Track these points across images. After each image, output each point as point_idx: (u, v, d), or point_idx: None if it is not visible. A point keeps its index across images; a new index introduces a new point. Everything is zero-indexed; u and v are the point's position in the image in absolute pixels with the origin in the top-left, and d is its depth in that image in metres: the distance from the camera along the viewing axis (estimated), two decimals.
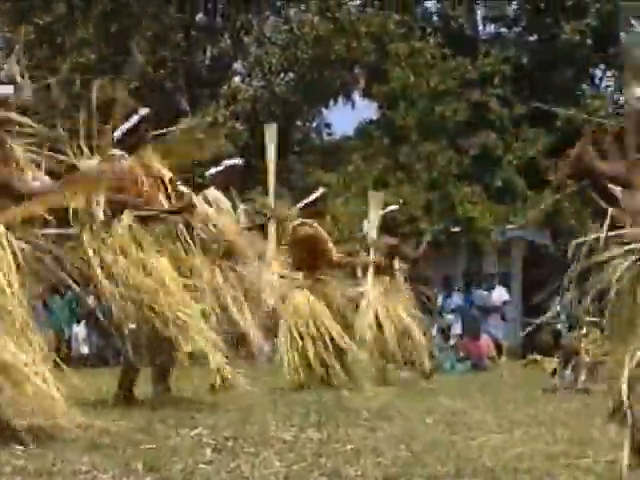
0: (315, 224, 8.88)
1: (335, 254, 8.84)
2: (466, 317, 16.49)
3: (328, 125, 20.96)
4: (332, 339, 8.45)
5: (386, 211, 10.38)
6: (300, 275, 8.72)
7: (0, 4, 16.00)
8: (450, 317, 16.39)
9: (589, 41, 21.30)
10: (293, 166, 20.10)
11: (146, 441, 4.81)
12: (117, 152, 6.36)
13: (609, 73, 23.22)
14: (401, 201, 17.56)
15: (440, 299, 16.45)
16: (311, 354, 8.38)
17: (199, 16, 19.97)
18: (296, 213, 8.99)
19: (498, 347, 16.23)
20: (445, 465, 4.36)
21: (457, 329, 16.33)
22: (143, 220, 6.34)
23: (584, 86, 22.51)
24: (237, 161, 8.56)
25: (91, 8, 17.44)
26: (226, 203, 8.19)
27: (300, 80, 19.12)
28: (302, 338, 8.43)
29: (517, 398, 8.60)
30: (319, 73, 18.84)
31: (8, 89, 5.22)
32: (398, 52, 19.13)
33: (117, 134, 6.39)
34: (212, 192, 8.19)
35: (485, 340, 15.95)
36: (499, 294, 17.04)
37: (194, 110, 18.27)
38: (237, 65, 20.07)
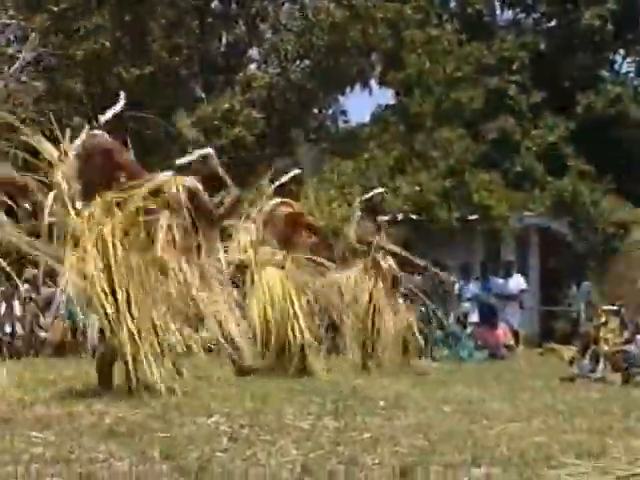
0: (293, 202, 8.87)
1: (309, 234, 8.83)
2: (483, 305, 16.46)
3: (344, 112, 20.92)
4: (297, 321, 8.42)
5: (371, 195, 10.33)
6: (279, 254, 8.72)
7: None
8: (467, 305, 16.35)
9: (609, 26, 21.15)
10: (308, 154, 20.08)
11: (162, 429, 4.82)
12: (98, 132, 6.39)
13: (629, 59, 23.07)
14: (417, 188, 17.62)
15: (457, 287, 16.41)
16: (275, 335, 8.37)
17: (214, 3, 19.98)
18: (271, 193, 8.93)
19: (515, 335, 16.20)
20: (462, 453, 4.36)
21: (474, 317, 16.29)
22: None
23: (604, 72, 22.38)
24: (209, 150, 8.44)
25: None
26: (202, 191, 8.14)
27: (316, 67, 19.09)
28: (268, 319, 8.40)
29: (535, 387, 8.58)
30: (335, 60, 18.79)
31: None
32: (414, 39, 19.08)
33: (102, 120, 6.38)
34: (190, 180, 8.13)
35: (502, 328, 15.93)
36: (517, 282, 16.98)
37: (209, 97, 18.27)
38: (252, 52, 20.06)
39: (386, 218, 10.15)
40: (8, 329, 11.90)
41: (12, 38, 15.55)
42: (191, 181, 7.36)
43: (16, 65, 15.38)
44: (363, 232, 9.76)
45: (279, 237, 8.79)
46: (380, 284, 9.59)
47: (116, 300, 5.98)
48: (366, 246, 9.69)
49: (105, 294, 5.94)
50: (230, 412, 5.51)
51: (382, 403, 6.25)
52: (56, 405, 5.61)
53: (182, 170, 8.22)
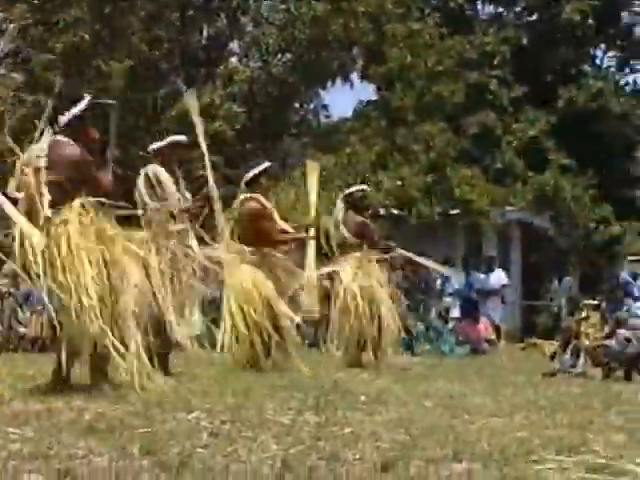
0: (261, 198, 8.82)
1: (277, 231, 8.74)
2: (465, 300, 16.52)
3: (325, 107, 20.95)
4: (273, 317, 8.39)
5: (352, 190, 10.33)
6: (247, 250, 8.67)
7: None
8: (449, 300, 16.40)
9: (590, 21, 21.25)
10: (289, 148, 20.07)
11: (142, 425, 4.81)
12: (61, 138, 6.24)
13: (610, 53, 23.18)
14: (399, 183, 17.64)
15: (439, 282, 16.46)
16: (249, 331, 8.31)
17: None
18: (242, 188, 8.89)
19: (497, 330, 16.26)
20: (443, 448, 4.38)
21: (456, 312, 16.35)
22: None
23: (585, 66, 22.48)
24: (182, 138, 8.21)
25: None
26: (167, 178, 8.07)
27: (297, 61, 19.09)
28: (244, 315, 8.33)
29: (516, 382, 8.61)
30: (316, 54, 18.79)
31: None
32: (396, 32, 19.09)
33: (63, 120, 6.22)
34: (153, 167, 8.07)
35: (484, 323, 15.98)
36: (498, 277, 17.05)
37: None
38: (234, 45, 20.03)
39: (360, 218, 10.01)
40: None
41: None
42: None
43: None
44: (349, 228, 9.75)
45: (245, 233, 8.74)
46: (369, 279, 9.56)
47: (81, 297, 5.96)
48: (355, 241, 9.67)
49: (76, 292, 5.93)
50: (211, 408, 5.51)
51: (363, 398, 6.26)
52: (35, 401, 5.59)
53: (156, 156, 8.21)
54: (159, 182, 7.97)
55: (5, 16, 15.51)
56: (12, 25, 15.43)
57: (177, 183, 8.11)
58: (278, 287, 8.78)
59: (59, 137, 6.25)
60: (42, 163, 6.01)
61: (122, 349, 5.99)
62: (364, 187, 10.82)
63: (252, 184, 8.81)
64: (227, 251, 8.68)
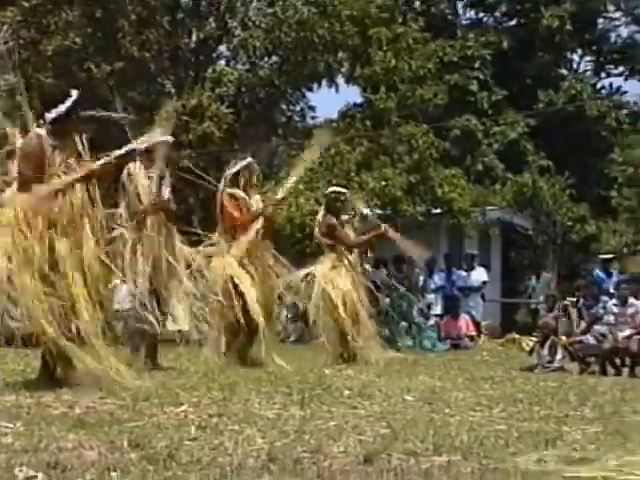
0: (235, 193, 8.82)
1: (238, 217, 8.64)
2: (446, 297, 16.55)
3: (312, 108, 20.88)
4: (246, 310, 8.41)
5: (329, 191, 10.33)
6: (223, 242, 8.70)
7: None
8: (431, 297, 16.42)
9: (568, 26, 21.34)
10: (276, 149, 20.04)
11: (131, 419, 4.81)
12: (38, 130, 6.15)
13: (587, 58, 23.28)
14: (383, 183, 17.64)
15: (421, 279, 16.47)
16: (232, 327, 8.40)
17: None
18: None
19: (477, 326, 16.29)
20: (424, 441, 4.39)
21: (437, 309, 16.38)
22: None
23: (563, 70, 22.55)
24: (168, 138, 8.10)
25: None
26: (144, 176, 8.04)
27: (284, 63, 19.04)
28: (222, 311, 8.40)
29: (495, 376, 8.62)
30: (303, 56, 18.75)
31: None
32: (380, 36, 19.08)
33: (49, 116, 6.12)
34: (134, 164, 8.04)
35: (464, 320, 16.02)
36: (479, 275, 17.09)
37: (179, 93, 18.19)
38: (222, 48, 19.94)
39: (346, 217, 10.00)
40: None
41: None
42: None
43: None
44: (327, 228, 9.70)
45: (224, 228, 8.79)
46: (349, 278, 9.55)
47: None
48: (331, 241, 9.66)
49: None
50: (199, 402, 5.52)
51: (347, 392, 6.27)
52: (26, 395, 5.58)
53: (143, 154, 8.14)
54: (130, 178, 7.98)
55: None
56: (4, 27, 15.41)
57: (161, 180, 8.10)
58: (266, 285, 8.79)
59: (37, 130, 6.24)
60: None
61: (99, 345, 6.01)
62: (341, 190, 10.67)
63: (233, 181, 8.77)
64: (217, 247, 8.70)
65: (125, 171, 7.96)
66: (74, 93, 6.51)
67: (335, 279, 9.41)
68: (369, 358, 9.33)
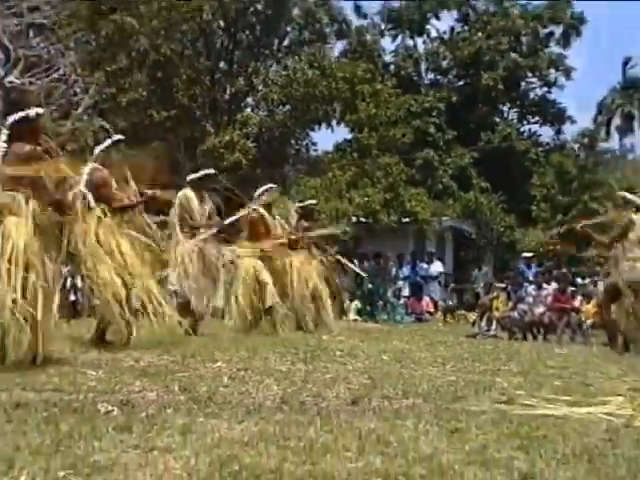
0: (260, 210, 8.56)
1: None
2: (412, 283, 16.54)
3: (314, 143, 20.90)
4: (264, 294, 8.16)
5: (305, 204, 9.95)
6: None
7: (82, 56, 15.82)
8: (401, 283, 16.42)
9: (500, 86, 21.40)
10: (288, 174, 20.04)
11: (180, 370, 4.81)
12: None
13: (514, 109, 23.34)
14: (366, 199, 17.62)
15: (394, 270, 16.46)
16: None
17: (221, 63, 19.84)
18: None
19: (435, 305, 16.29)
20: (395, 389, 4.39)
21: (406, 292, 16.37)
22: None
23: (497, 118, 22.56)
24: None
25: (144, 59, 17.35)
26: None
27: (294, 111, 19.04)
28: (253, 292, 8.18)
29: (448, 341, 8.62)
30: (307, 106, 18.76)
31: None
32: (364, 91, 19.09)
33: (9, 120, 5.13)
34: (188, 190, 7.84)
35: (426, 300, 16.02)
36: (437, 267, 17.08)
37: (217, 132, 18.19)
38: (248, 99, 19.96)
39: (306, 224, 9.49)
40: (72, 297, 11.58)
41: (77, 90, 15.40)
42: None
43: (80, 109, 15.30)
44: (302, 230, 9.36)
45: (249, 235, 8.54)
46: (317, 267, 9.15)
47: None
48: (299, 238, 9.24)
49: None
50: (230, 359, 5.51)
51: (339, 353, 6.26)
52: (105, 352, 5.59)
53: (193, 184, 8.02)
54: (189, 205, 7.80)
55: (88, 80, 15.44)
56: (93, 86, 15.44)
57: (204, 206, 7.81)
58: (279, 276, 8.59)
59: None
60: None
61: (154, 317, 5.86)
62: (314, 202, 10.44)
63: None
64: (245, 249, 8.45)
65: (181, 194, 7.88)
66: (116, 137, 6.33)
67: (305, 268, 9.03)
68: (329, 325, 8.99)
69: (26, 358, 4.67)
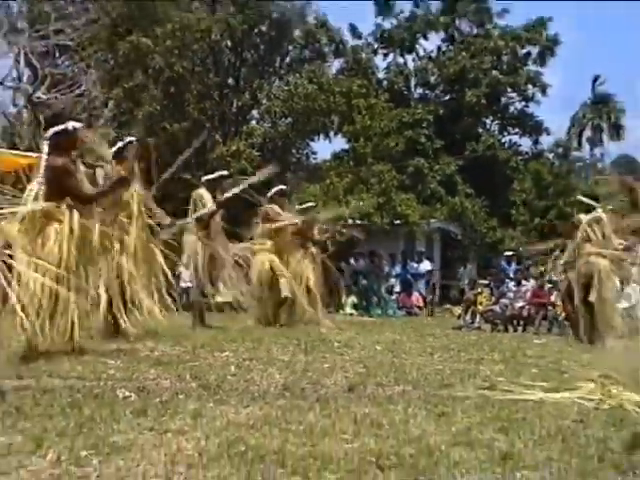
0: (274, 208, 8.47)
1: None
2: (403, 280, 16.54)
3: (314, 152, 20.90)
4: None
5: (305, 206, 9.66)
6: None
7: (102, 74, 15.82)
8: (393, 280, 16.42)
9: (483, 101, 21.47)
10: (290, 180, 20.06)
11: (192, 360, 4.83)
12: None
13: (495, 122, 23.42)
14: (361, 203, 17.62)
15: (387, 268, 16.46)
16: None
17: (229, 80, 19.85)
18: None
19: (424, 300, 16.30)
20: (388, 377, 4.40)
21: (397, 288, 16.38)
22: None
23: (480, 129, 22.59)
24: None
25: (158, 76, 17.39)
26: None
27: (295, 123, 19.05)
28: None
29: (435, 333, 8.64)
30: (307, 118, 18.77)
31: None
32: (359, 105, 19.10)
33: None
34: (203, 190, 7.77)
35: (416, 296, 16.02)
36: (425, 265, 17.08)
37: (225, 142, 18.21)
38: (254, 112, 19.98)
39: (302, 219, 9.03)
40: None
41: (98, 104, 15.42)
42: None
43: (100, 122, 15.32)
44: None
45: (263, 232, 8.43)
46: (309, 265, 8.81)
47: None
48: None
49: None
50: (237, 349, 5.52)
51: (336, 344, 6.26)
52: (123, 342, 5.59)
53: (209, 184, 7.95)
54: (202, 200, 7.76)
55: (107, 95, 15.45)
56: (111, 101, 15.45)
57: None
58: (292, 270, 8.45)
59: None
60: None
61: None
62: (313, 204, 10.16)
63: (210, 184, 7.95)
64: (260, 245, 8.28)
65: (195, 195, 7.87)
66: (129, 139, 6.16)
67: (299, 266, 8.78)
68: (318, 321, 8.68)
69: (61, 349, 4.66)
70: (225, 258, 7.72)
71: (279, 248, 8.46)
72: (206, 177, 8.07)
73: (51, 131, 4.99)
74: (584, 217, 7.83)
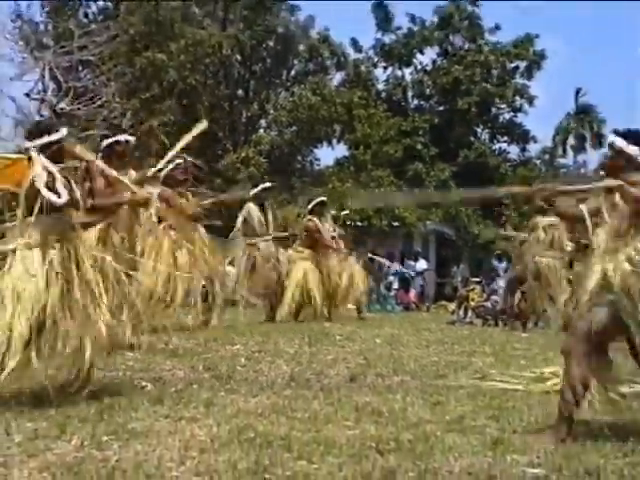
0: (314, 220, 8.28)
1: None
2: (401, 278, 16.52)
3: (317, 159, 20.93)
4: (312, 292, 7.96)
5: (317, 200, 8.92)
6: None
7: (120, 87, 15.85)
8: (391, 278, 16.40)
9: (474, 110, 21.47)
10: (295, 185, 20.07)
11: (205, 352, 4.84)
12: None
13: (486, 130, 23.44)
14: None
15: (386, 267, 16.42)
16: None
17: (239, 92, 19.89)
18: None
19: (421, 297, 16.27)
20: (387, 368, 4.42)
21: (396, 285, 16.35)
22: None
23: (472, 137, 22.58)
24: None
25: (172, 88, 17.43)
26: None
27: (300, 131, 19.08)
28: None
29: (431, 327, 8.62)
30: (311, 127, 18.81)
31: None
32: (360, 115, 19.11)
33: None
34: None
35: (413, 292, 16.00)
36: (422, 264, 17.05)
37: (235, 149, 18.25)
38: (262, 122, 20.03)
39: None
40: None
41: (116, 114, 15.46)
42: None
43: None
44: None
45: (304, 243, 8.22)
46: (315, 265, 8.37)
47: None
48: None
49: None
50: (246, 342, 5.52)
51: (339, 337, 6.26)
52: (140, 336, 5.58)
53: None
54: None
55: (125, 106, 15.51)
56: (129, 112, 15.48)
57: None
58: (327, 278, 8.23)
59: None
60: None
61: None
62: (324, 199, 9.32)
63: (257, 197, 7.77)
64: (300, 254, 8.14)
65: (245, 210, 7.68)
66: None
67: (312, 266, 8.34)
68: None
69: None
70: (270, 264, 7.54)
71: (316, 257, 8.28)
72: (253, 191, 7.85)
73: (105, 142, 4.75)
74: (542, 219, 7.87)
